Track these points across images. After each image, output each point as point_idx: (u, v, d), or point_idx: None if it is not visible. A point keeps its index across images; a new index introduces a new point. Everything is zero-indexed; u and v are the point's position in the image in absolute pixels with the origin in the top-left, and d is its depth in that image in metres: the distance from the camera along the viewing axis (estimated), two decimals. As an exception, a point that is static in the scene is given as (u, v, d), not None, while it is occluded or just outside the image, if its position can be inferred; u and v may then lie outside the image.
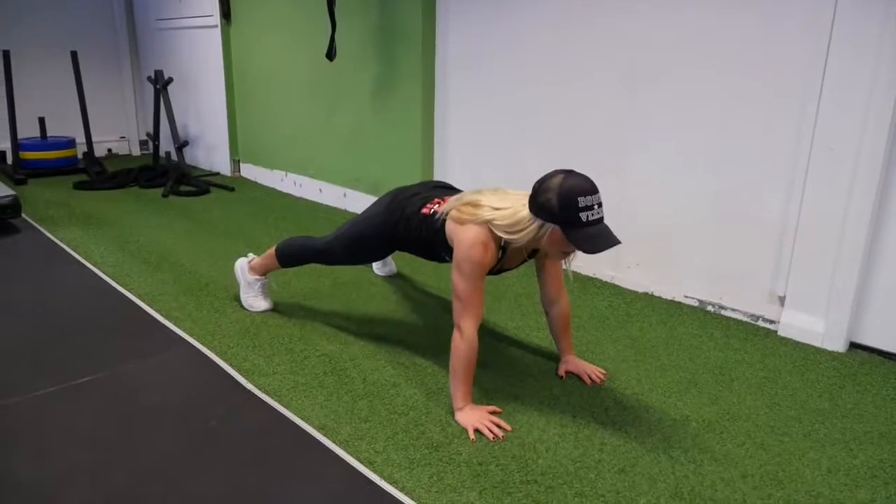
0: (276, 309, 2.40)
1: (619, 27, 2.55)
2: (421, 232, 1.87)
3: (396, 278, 2.77)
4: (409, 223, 1.91)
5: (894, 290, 2.07)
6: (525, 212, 1.60)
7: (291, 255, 2.28)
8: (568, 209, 1.53)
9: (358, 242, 2.08)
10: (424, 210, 1.88)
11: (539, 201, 1.57)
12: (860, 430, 1.70)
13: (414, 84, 3.38)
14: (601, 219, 1.57)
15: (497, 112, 3.10)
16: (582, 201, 1.52)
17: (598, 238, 1.55)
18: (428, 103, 3.39)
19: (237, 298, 2.43)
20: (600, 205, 1.57)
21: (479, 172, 3.23)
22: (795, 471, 1.53)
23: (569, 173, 1.58)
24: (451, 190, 2.03)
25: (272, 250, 2.30)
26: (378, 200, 2.08)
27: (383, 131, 3.64)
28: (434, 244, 1.85)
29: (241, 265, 2.41)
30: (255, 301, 2.38)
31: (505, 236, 1.63)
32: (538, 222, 1.58)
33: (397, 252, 2.09)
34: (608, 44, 2.60)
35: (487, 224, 1.65)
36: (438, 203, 1.87)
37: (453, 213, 1.75)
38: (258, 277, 2.36)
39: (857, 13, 1.95)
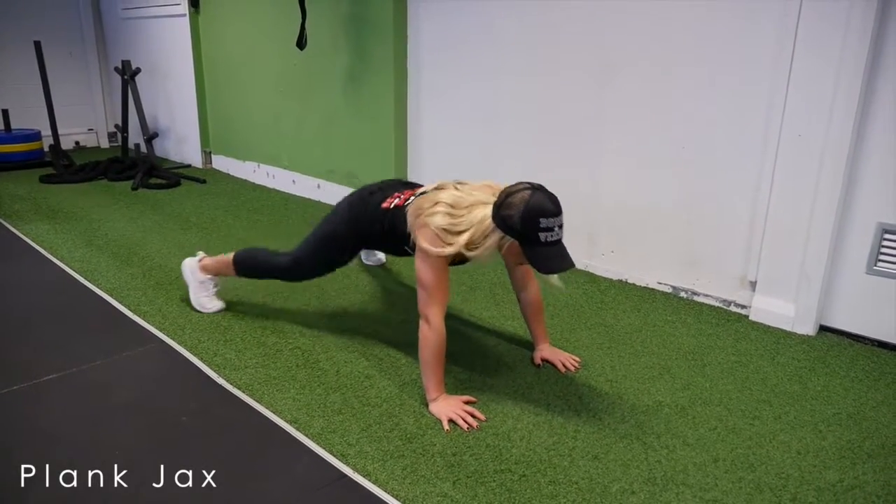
0: (247, 302, 2.37)
1: (593, 18, 2.54)
2: (383, 226, 1.87)
3: (370, 270, 2.75)
4: (371, 219, 1.91)
5: (862, 273, 2.11)
6: (487, 222, 1.59)
7: (251, 268, 2.21)
8: (529, 228, 1.53)
9: (325, 247, 2.05)
10: (384, 204, 1.89)
11: (502, 214, 1.57)
12: (829, 412, 1.73)
13: (386, 74, 3.35)
14: (559, 240, 1.58)
15: (471, 102, 3.08)
16: (543, 222, 1.53)
17: (554, 259, 1.56)
18: (400, 93, 3.36)
19: (186, 300, 2.33)
20: (561, 226, 1.57)
21: (453, 161, 3.21)
22: (766, 454, 1.54)
23: (535, 190, 1.57)
24: (411, 186, 2.00)
25: (228, 257, 2.21)
26: (338, 205, 2.06)
27: (356, 121, 3.61)
28: (395, 237, 1.84)
29: (191, 265, 2.30)
30: (208, 301, 2.28)
31: (466, 253, 1.63)
32: (498, 233, 1.58)
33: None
34: (582, 35, 2.59)
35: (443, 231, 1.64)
36: (398, 197, 1.88)
37: (412, 208, 1.75)
38: (211, 277, 2.28)
39: (822, 3, 1.97)
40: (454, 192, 1.69)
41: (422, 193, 1.80)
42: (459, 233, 1.62)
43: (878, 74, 1.96)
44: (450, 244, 1.63)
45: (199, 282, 2.28)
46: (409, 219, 1.76)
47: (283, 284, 2.50)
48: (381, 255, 2.80)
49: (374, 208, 1.91)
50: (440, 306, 1.69)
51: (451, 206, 1.65)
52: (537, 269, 1.58)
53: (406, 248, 1.85)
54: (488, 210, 1.60)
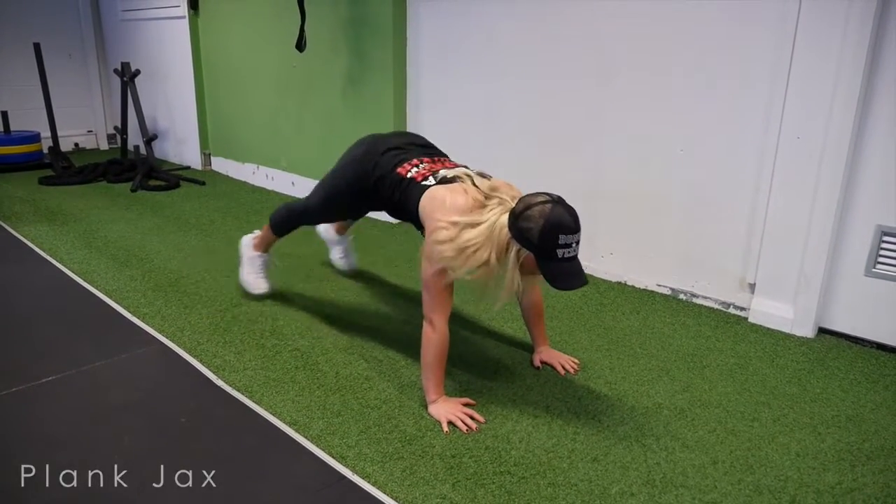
0: (247, 304, 2.36)
1: (592, 21, 2.54)
2: (394, 195, 1.79)
3: (368, 272, 2.75)
4: (382, 181, 1.81)
5: (861, 275, 2.11)
6: (505, 231, 1.54)
7: (280, 222, 2.30)
8: (547, 243, 1.49)
9: (333, 196, 2.03)
10: (400, 170, 1.78)
11: (520, 226, 1.51)
12: (828, 414, 1.73)
13: (385, 76, 3.35)
14: (575, 256, 1.54)
15: (470, 104, 3.09)
16: (563, 239, 1.49)
17: (570, 276, 1.53)
18: (400, 94, 3.37)
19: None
20: (578, 242, 1.53)
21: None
22: (765, 456, 1.55)
23: (555, 204, 1.52)
24: (428, 149, 1.93)
25: (266, 224, 2.33)
26: (351, 149, 1.98)
27: (356, 123, 3.61)
28: (407, 213, 1.79)
29: (246, 241, 2.43)
30: (253, 280, 2.39)
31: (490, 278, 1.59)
32: (515, 245, 1.53)
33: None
34: (581, 37, 2.59)
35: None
36: (416, 166, 1.78)
37: (426, 203, 1.68)
38: (259, 254, 2.39)
39: (821, 5, 1.96)
40: (474, 189, 1.63)
41: (442, 180, 1.71)
42: (471, 253, 1.56)
43: (877, 76, 1.96)
44: (453, 269, 1.59)
45: (249, 258, 2.40)
46: (423, 206, 1.69)
47: (282, 286, 2.51)
48: (354, 262, 2.69)
49: (389, 169, 1.80)
50: (445, 310, 1.67)
51: (470, 209, 1.60)
52: (552, 285, 1.54)
53: (417, 228, 1.78)
54: (504, 218, 1.55)
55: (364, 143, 1.96)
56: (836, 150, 2.02)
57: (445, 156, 1.93)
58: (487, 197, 1.62)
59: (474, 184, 1.66)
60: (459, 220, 1.58)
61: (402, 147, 1.87)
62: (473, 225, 1.56)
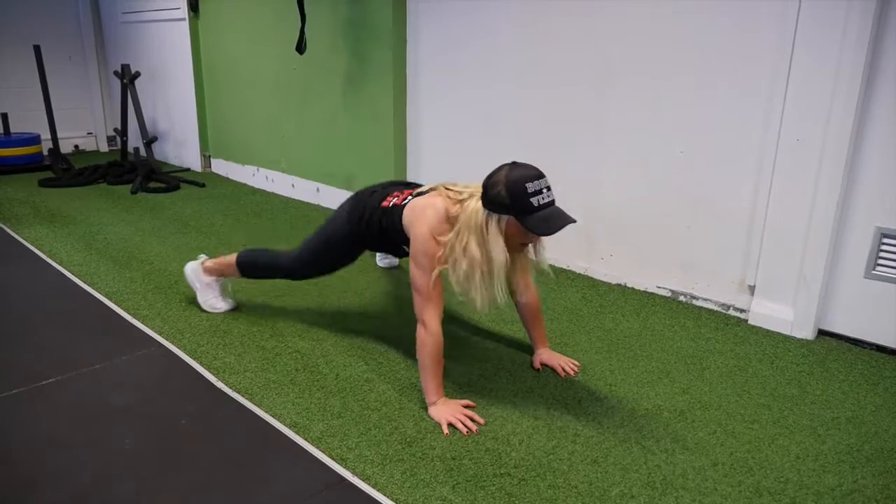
0: (247, 306, 2.37)
1: (592, 24, 2.55)
2: (381, 224, 1.89)
3: (369, 273, 2.75)
4: (370, 219, 1.92)
5: (861, 277, 2.11)
6: (479, 212, 1.61)
7: (255, 268, 2.24)
8: (518, 196, 1.55)
9: (326, 248, 2.07)
10: (384, 203, 1.91)
11: (489, 196, 1.59)
12: (828, 416, 1.73)
13: (385, 78, 3.35)
14: (552, 201, 1.59)
15: (470, 106, 3.09)
16: (530, 187, 1.55)
17: (552, 219, 1.57)
18: (400, 97, 3.37)
19: (194, 302, 2.34)
20: (549, 188, 1.59)
21: (452, 165, 3.21)
22: (765, 457, 1.55)
23: (513, 164, 1.61)
24: (410, 186, 2.02)
25: (231, 258, 2.24)
26: (340, 206, 2.08)
27: (356, 125, 3.61)
28: (393, 235, 1.87)
29: (194, 268, 2.31)
30: (216, 302, 2.31)
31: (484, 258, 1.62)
32: (494, 217, 1.59)
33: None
34: (581, 40, 2.60)
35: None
36: (397, 196, 1.90)
37: (408, 209, 1.79)
38: (216, 278, 2.30)
39: (820, 9, 1.97)
40: (447, 192, 1.73)
41: (419, 194, 1.83)
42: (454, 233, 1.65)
43: (876, 79, 1.97)
44: (446, 232, 1.66)
45: (205, 284, 2.30)
46: (405, 218, 1.79)
47: (283, 288, 2.51)
48: (395, 258, 2.80)
49: (374, 208, 1.92)
50: (436, 310, 1.69)
51: (446, 210, 1.69)
52: (539, 233, 1.59)
53: (404, 246, 1.87)
54: (477, 203, 1.62)
55: (352, 196, 2.08)
56: (835, 152, 2.02)
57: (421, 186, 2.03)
58: (461, 193, 1.70)
59: (447, 188, 1.76)
60: (446, 238, 1.67)
61: (385, 187, 2.01)
62: (458, 231, 1.65)
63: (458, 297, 1.72)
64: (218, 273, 2.29)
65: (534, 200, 1.55)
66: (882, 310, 2.08)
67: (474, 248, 1.61)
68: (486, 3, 2.89)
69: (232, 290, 2.38)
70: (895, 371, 1.98)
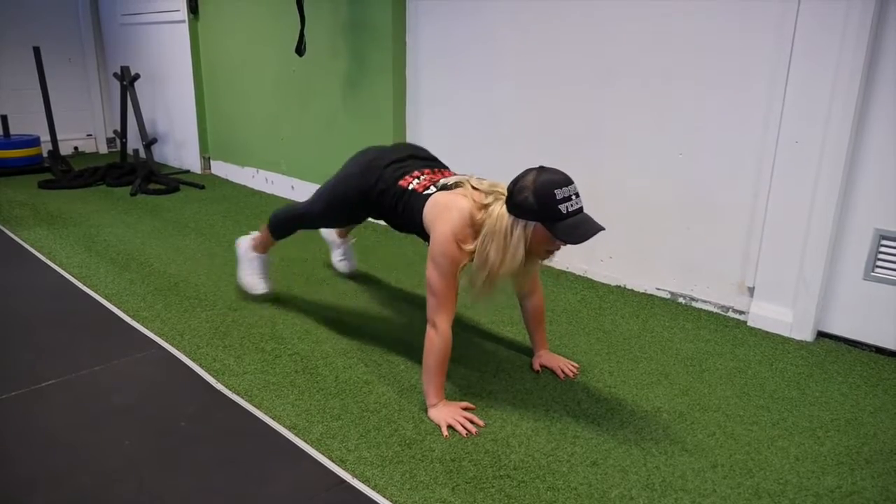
0: (246, 308, 2.37)
1: (591, 26, 2.55)
2: (397, 207, 1.83)
3: (367, 276, 2.75)
4: (384, 193, 1.86)
5: (860, 279, 2.11)
6: (504, 217, 1.56)
7: (279, 225, 2.30)
8: (546, 202, 1.51)
9: (334, 205, 2.04)
10: (402, 182, 1.83)
11: (516, 201, 1.55)
12: (827, 418, 1.73)
13: (385, 80, 3.36)
14: (581, 208, 1.56)
15: (470, 108, 3.09)
16: (559, 193, 1.51)
17: (582, 227, 1.54)
18: (399, 99, 3.37)
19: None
20: (577, 194, 1.55)
21: (453, 167, 3.21)
22: (764, 459, 1.55)
23: (540, 169, 1.57)
24: (428, 161, 1.98)
25: (264, 224, 2.33)
26: (353, 159, 2.01)
27: (355, 127, 3.62)
28: (410, 223, 1.82)
29: (243, 242, 2.44)
30: (252, 280, 2.41)
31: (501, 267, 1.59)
32: (520, 224, 1.55)
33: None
34: (580, 40, 2.60)
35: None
36: (417, 178, 1.83)
37: (429, 207, 1.73)
38: (258, 255, 2.40)
39: (819, 11, 1.97)
40: (474, 193, 1.67)
41: (444, 186, 1.76)
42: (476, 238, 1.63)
43: (875, 81, 1.97)
44: (470, 235, 1.63)
45: (247, 259, 2.42)
46: (428, 213, 1.73)
47: (282, 290, 2.51)
48: (354, 264, 2.72)
49: (391, 183, 1.85)
50: (448, 313, 1.68)
51: (471, 214, 1.64)
52: (569, 241, 1.54)
53: (419, 234, 1.82)
54: (502, 208, 1.58)
55: (367, 154, 1.99)
56: (834, 154, 2.02)
57: (446, 167, 1.99)
58: (488, 195, 1.64)
59: (473, 187, 1.69)
60: (471, 247, 1.63)
61: (404, 160, 1.92)
62: (482, 239, 1.61)
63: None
64: (261, 246, 2.39)
65: (562, 207, 1.51)
66: (881, 312, 2.08)
67: (493, 251, 1.58)
68: (486, 4, 2.89)
69: (231, 292, 2.38)
70: (894, 373, 1.98)
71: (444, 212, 1.68)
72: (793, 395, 1.85)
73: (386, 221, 1.96)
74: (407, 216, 1.81)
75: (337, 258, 2.73)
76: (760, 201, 2.23)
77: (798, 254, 2.16)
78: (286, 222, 2.29)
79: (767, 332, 2.25)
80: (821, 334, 2.22)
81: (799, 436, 1.65)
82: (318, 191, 2.12)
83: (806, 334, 2.19)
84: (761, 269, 2.26)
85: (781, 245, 2.19)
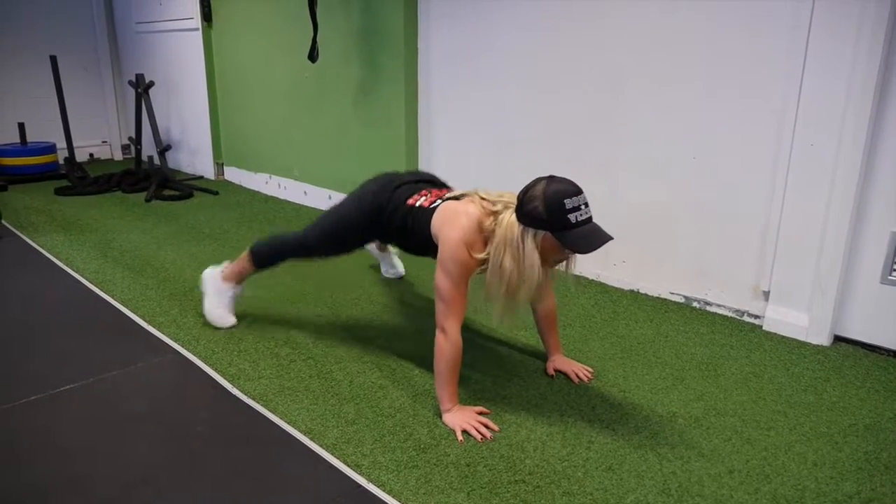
0: (260, 314, 2.38)
1: (602, 29, 2.55)
2: (405, 222, 1.85)
3: (382, 281, 2.76)
4: (395, 213, 1.88)
5: (877, 283, 2.09)
6: (515, 227, 1.57)
7: (266, 254, 2.17)
8: (556, 212, 1.52)
9: (340, 230, 2.02)
10: (410, 201, 1.86)
11: (526, 210, 1.56)
12: (845, 423, 1.71)
13: (397, 85, 3.37)
14: (590, 218, 1.57)
15: (482, 114, 3.10)
16: (569, 203, 1.53)
17: (591, 237, 1.55)
18: (411, 104, 3.38)
19: (200, 313, 2.31)
20: (587, 204, 1.57)
21: (466, 173, 3.22)
22: (782, 465, 1.53)
23: (550, 178, 1.58)
24: (439, 185, 1.99)
25: (245, 253, 2.20)
26: (363, 187, 2.01)
27: (368, 133, 3.63)
28: (419, 238, 1.83)
29: (212, 274, 2.26)
30: (220, 313, 2.24)
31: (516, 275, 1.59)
32: (530, 232, 1.56)
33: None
34: (592, 46, 2.60)
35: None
36: (425, 195, 1.86)
37: (437, 215, 1.74)
38: (231, 285, 2.24)
39: (833, 12, 1.96)
40: (482, 202, 1.69)
41: (449, 198, 1.79)
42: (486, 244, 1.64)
43: (890, 82, 1.95)
44: (479, 241, 1.64)
45: (217, 291, 2.24)
46: (436, 221, 1.75)
47: (296, 296, 2.52)
48: (401, 269, 2.78)
49: (400, 203, 1.87)
50: (458, 319, 1.68)
51: (479, 220, 1.65)
52: (577, 251, 1.56)
53: (430, 251, 1.82)
54: (512, 217, 1.59)
55: (378, 179, 2.01)
56: (849, 157, 2.01)
57: (451, 189, 2.00)
58: (496, 203, 1.66)
59: (481, 196, 1.71)
60: (481, 255, 1.64)
61: (412, 182, 1.95)
62: (495, 247, 1.61)
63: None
64: (236, 277, 2.22)
65: (572, 217, 1.53)
66: (899, 315, 2.06)
67: (509, 263, 1.58)
68: (497, 11, 2.90)
69: (246, 297, 2.39)
70: (913, 377, 1.96)
71: (452, 217, 1.70)
72: (809, 399, 1.83)
73: (398, 245, 2.01)
74: (417, 231, 1.82)
75: (385, 269, 2.80)
76: (775, 204, 2.21)
77: (814, 257, 2.14)
78: (275, 250, 2.17)
79: (783, 337, 2.23)
80: (837, 338, 2.20)
81: (816, 441, 1.63)
82: (319, 219, 2.08)
83: (822, 338, 2.17)
84: (776, 273, 2.25)
85: (797, 248, 2.18)
